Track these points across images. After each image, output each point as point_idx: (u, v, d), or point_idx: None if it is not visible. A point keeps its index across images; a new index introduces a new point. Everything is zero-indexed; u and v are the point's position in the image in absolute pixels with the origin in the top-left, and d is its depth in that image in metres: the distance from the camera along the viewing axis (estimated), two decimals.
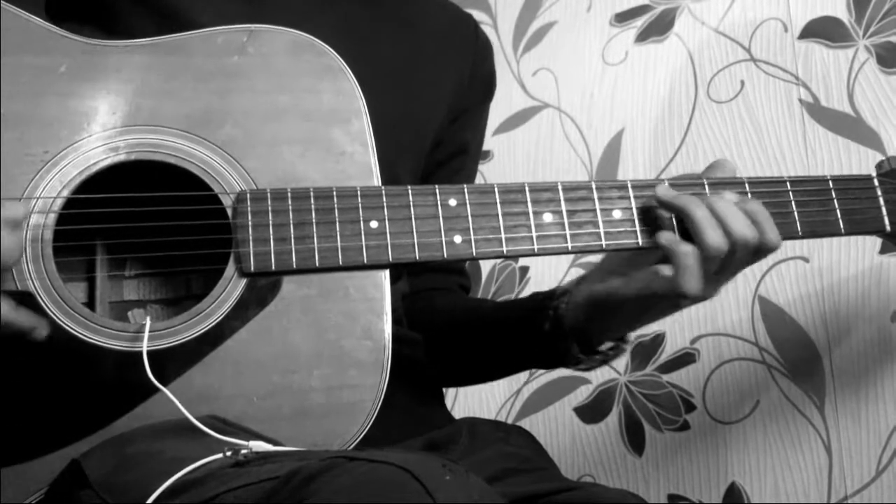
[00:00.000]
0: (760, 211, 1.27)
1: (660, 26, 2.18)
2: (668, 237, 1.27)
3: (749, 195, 1.32)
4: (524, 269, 2.24)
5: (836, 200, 1.36)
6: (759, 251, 1.28)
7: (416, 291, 1.55)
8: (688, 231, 1.26)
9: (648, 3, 2.21)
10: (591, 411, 2.11)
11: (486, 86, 1.65)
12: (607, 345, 1.40)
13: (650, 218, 1.30)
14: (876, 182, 1.40)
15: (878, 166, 1.44)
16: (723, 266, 1.26)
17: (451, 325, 1.50)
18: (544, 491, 1.21)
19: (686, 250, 1.24)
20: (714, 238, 1.23)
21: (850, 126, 1.90)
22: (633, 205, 1.29)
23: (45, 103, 1.20)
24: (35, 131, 1.18)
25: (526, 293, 2.22)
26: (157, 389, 1.12)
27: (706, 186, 1.31)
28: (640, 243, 1.29)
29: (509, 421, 2.17)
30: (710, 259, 1.24)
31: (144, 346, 1.13)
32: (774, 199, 1.33)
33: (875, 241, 1.83)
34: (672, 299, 1.28)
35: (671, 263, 1.25)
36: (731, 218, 1.25)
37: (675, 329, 2.03)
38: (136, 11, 1.35)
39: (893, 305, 1.81)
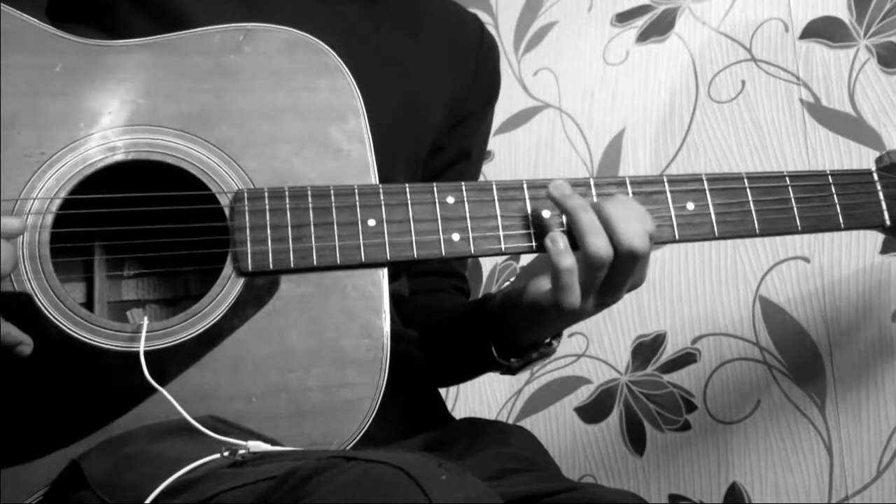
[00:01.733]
0: (637, 209, 1.23)
1: (661, 26, 2.18)
2: (550, 245, 1.22)
3: (748, 191, 1.32)
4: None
5: (835, 195, 1.36)
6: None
7: (412, 293, 1.55)
8: None
9: (649, 3, 2.20)
10: (592, 411, 2.11)
11: (489, 88, 1.64)
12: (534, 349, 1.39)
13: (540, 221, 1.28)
14: (875, 176, 1.40)
15: (878, 160, 1.44)
16: (613, 272, 1.23)
17: (426, 326, 1.49)
18: (545, 491, 1.20)
19: (565, 266, 1.20)
20: (597, 246, 1.20)
21: (851, 126, 1.90)
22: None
23: (41, 103, 1.20)
24: (32, 132, 1.18)
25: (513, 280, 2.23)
26: (156, 389, 1.12)
27: (705, 182, 1.30)
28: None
29: (510, 421, 2.17)
30: (596, 267, 1.21)
31: (142, 347, 1.13)
32: (774, 195, 1.32)
33: (875, 241, 1.83)
34: (559, 313, 1.24)
35: (551, 275, 1.23)
36: (621, 223, 1.20)
37: (676, 329, 2.03)
38: (135, 11, 1.35)
39: (894, 305, 1.81)
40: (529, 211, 1.26)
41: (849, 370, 1.84)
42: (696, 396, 1.98)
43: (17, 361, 1.11)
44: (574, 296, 1.21)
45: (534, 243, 1.25)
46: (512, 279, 1.38)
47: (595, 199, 1.25)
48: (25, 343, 1.12)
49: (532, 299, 1.27)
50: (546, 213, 1.26)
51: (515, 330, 1.36)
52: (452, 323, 1.49)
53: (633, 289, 1.27)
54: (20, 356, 1.12)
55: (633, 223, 1.20)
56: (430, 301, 1.56)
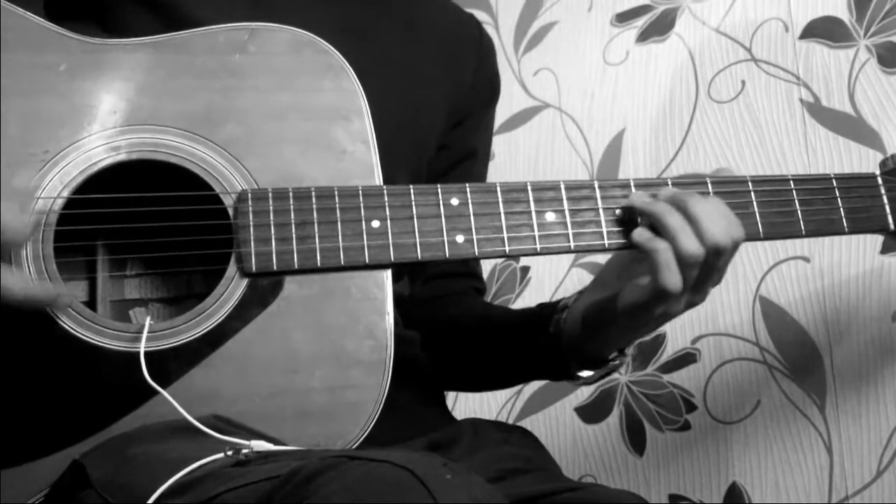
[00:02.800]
0: (723, 210, 1.26)
1: (660, 26, 2.18)
2: (639, 233, 1.25)
3: (752, 194, 1.32)
4: (525, 269, 2.24)
5: (839, 199, 1.36)
6: (733, 249, 1.26)
7: (434, 297, 1.55)
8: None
9: (649, 3, 2.21)
10: (592, 411, 2.11)
11: (490, 88, 1.65)
12: (612, 355, 1.39)
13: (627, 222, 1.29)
14: (880, 180, 1.40)
15: (882, 164, 1.44)
16: (704, 269, 1.24)
17: (459, 331, 1.50)
18: (545, 491, 1.20)
19: (660, 246, 1.22)
20: (689, 244, 1.22)
21: (851, 126, 1.90)
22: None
23: (45, 102, 1.19)
24: (35, 131, 1.18)
25: (526, 293, 2.23)
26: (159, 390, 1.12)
27: (709, 185, 1.31)
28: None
29: (510, 421, 2.17)
30: (688, 265, 1.22)
31: (142, 348, 1.13)
32: (778, 198, 1.33)
33: (876, 241, 1.83)
34: (660, 307, 1.25)
35: (650, 261, 1.24)
36: (706, 221, 1.23)
37: (676, 329, 2.02)
38: (137, 10, 1.34)
39: (894, 305, 1.81)
40: (534, 213, 1.26)
41: (849, 370, 1.84)
42: (696, 396, 1.98)
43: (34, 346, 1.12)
44: (675, 275, 1.22)
45: (538, 245, 1.25)
46: (574, 294, 1.38)
47: (680, 192, 1.27)
48: (64, 295, 1.13)
49: (630, 301, 1.27)
50: (550, 216, 1.26)
51: (605, 340, 1.36)
52: (506, 334, 1.49)
53: (714, 285, 1.29)
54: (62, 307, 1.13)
55: (718, 220, 1.23)
56: (461, 306, 1.57)
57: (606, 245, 1.27)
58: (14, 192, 1.12)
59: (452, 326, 1.51)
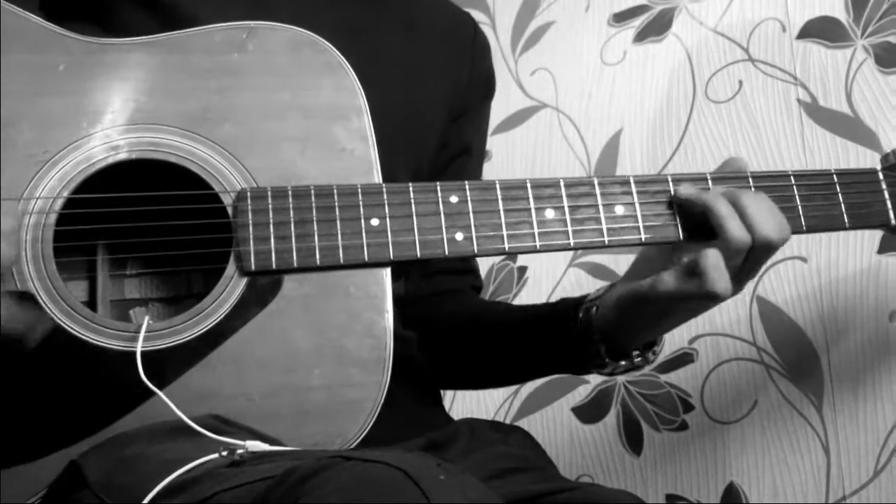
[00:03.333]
0: (771, 206, 1.28)
1: (658, 26, 2.18)
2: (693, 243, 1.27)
3: (753, 189, 1.31)
4: (522, 269, 2.24)
5: (840, 194, 1.35)
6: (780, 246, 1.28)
7: (433, 294, 1.55)
8: (696, 230, 1.26)
9: (646, 2, 2.21)
10: (590, 411, 2.11)
11: (485, 85, 1.65)
12: (635, 352, 1.40)
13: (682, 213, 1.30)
14: (881, 175, 1.39)
15: (884, 159, 1.43)
16: (748, 261, 1.26)
17: (457, 328, 1.50)
18: (543, 491, 1.20)
19: (712, 251, 1.23)
20: (737, 231, 1.23)
21: (849, 126, 1.90)
22: (636, 200, 1.29)
23: (44, 102, 1.19)
24: (34, 131, 1.18)
25: (524, 293, 2.23)
26: (159, 388, 1.11)
27: (709, 181, 1.31)
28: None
29: (507, 421, 2.17)
30: (734, 254, 1.23)
31: (139, 347, 1.12)
32: (778, 194, 1.32)
33: (873, 241, 1.83)
34: (700, 301, 1.27)
35: (698, 264, 1.23)
36: (755, 212, 1.24)
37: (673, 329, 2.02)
38: (136, 10, 1.34)
39: (891, 305, 1.81)
40: (533, 210, 1.26)
41: (846, 370, 1.84)
42: (694, 396, 1.99)
43: (34, 346, 1.12)
44: (725, 279, 1.23)
45: (537, 243, 1.25)
46: (602, 287, 1.38)
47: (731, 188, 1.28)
48: (41, 322, 1.13)
49: (666, 290, 1.27)
50: (550, 213, 1.26)
51: (639, 328, 1.36)
52: (522, 325, 1.49)
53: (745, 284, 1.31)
54: (33, 342, 1.12)
55: (769, 215, 1.25)
56: (460, 303, 1.57)
57: (606, 242, 1.27)
58: None
59: (450, 323, 1.51)
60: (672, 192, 1.29)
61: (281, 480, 0.90)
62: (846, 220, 1.35)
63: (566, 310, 1.42)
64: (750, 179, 1.32)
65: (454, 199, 1.24)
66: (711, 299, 1.24)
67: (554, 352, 1.45)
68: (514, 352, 1.49)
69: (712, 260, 1.22)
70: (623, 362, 1.40)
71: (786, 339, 1.91)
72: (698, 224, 1.27)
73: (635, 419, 2.05)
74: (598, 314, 1.38)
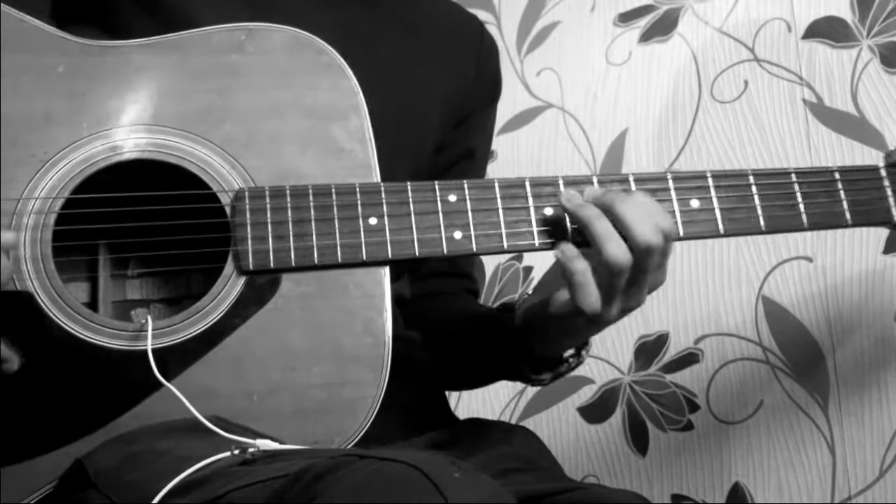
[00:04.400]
0: (651, 205, 1.22)
1: (663, 26, 2.18)
2: (561, 255, 1.22)
3: (753, 187, 1.31)
4: (528, 269, 2.24)
5: (842, 191, 1.34)
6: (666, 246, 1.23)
7: (423, 295, 1.55)
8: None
9: (652, 3, 2.21)
10: (595, 411, 2.11)
11: (490, 88, 1.65)
12: (569, 353, 1.39)
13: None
14: (883, 172, 1.38)
15: (887, 156, 1.42)
16: (635, 272, 1.22)
17: (442, 330, 1.49)
18: (548, 491, 1.20)
19: (579, 268, 1.20)
20: (615, 251, 1.19)
21: (854, 126, 1.90)
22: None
23: (44, 103, 1.20)
24: (34, 132, 1.18)
25: (530, 292, 2.23)
26: (159, 387, 1.12)
27: (709, 179, 1.30)
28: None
29: (513, 421, 2.17)
30: (616, 273, 1.20)
31: (149, 345, 1.13)
32: (780, 191, 1.32)
33: (879, 241, 1.83)
34: (581, 319, 1.24)
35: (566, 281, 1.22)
36: (634, 223, 1.19)
37: (679, 329, 2.02)
38: (138, 12, 1.35)
39: None
40: (532, 209, 1.26)
41: (851, 370, 1.84)
42: (699, 396, 1.98)
43: (35, 346, 1.13)
44: (592, 297, 1.20)
45: (536, 241, 1.25)
46: (528, 293, 1.37)
47: (607, 192, 1.24)
48: (11, 361, 1.12)
49: (556, 311, 1.26)
50: (549, 211, 1.26)
51: (544, 343, 1.36)
52: (474, 332, 1.49)
53: (653, 290, 1.27)
54: (6, 372, 1.12)
55: (645, 220, 1.19)
56: (446, 304, 1.57)
57: None
58: None
59: (439, 324, 1.51)
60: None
61: (296, 479, 0.90)
62: (848, 218, 1.34)
63: (497, 320, 1.43)
64: (751, 177, 1.31)
65: (453, 197, 1.24)
66: (580, 315, 1.22)
67: (493, 361, 1.46)
68: (470, 357, 1.50)
69: (579, 278, 1.20)
70: (545, 376, 1.41)
71: (791, 339, 1.91)
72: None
73: (641, 419, 2.05)
74: (517, 328, 1.38)
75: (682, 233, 1.28)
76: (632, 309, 1.25)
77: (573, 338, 1.35)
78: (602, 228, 1.20)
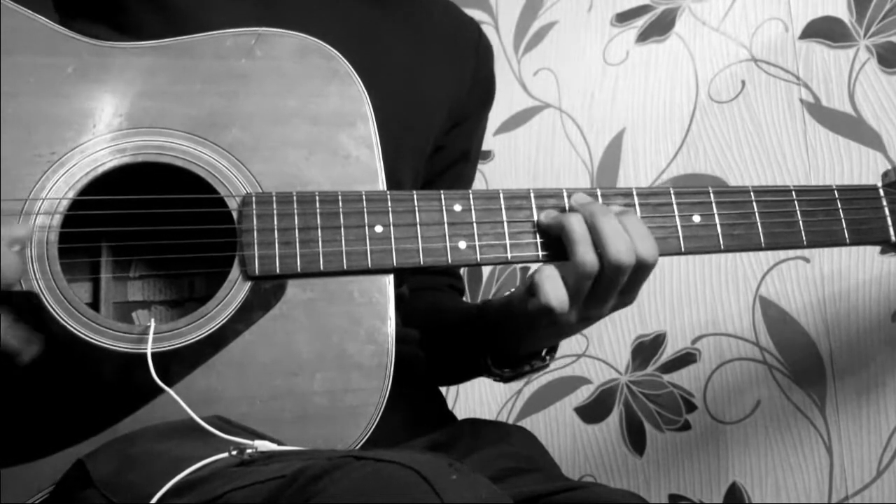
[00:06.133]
0: (635, 227, 1.24)
1: (661, 26, 2.18)
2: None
3: (754, 204, 1.32)
4: (525, 269, 2.24)
5: (841, 210, 1.36)
6: (638, 269, 1.24)
7: (411, 291, 1.55)
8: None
9: (649, 3, 2.21)
10: (592, 411, 2.11)
11: (485, 91, 1.65)
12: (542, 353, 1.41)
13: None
14: (881, 192, 1.40)
15: (884, 176, 1.44)
16: (600, 283, 1.24)
17: (425, 327, 1.50)
18: (545, 491, 1.20)
19: (547, 266, 1.23)
20: (585, 255, 1.21)
21: (852, 126, 1.90)
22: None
23: (52, 104, 1.20)
24: (42, 132, 1.18)
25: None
26: (161, 390, 1.12)
27: (711, 195, 1.31)
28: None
29: (510, 421, 2.17)
30: (581, 276, 1.22)
31: (149, 349, 1.13)
32: (780, 209, 1.33)
33: None
34: (546, 315, 1.25)
35: (533, 278, 1.24)
36: (610, 237, 1.21)
37: (676, 329, 2.03)
38: (147, 10, 1.35)
39: (894, 305, 1.81)
40: (536, 220, 1.26)
41: (849, 370, 1.84)
42: (696, 396, 1.99)
43: (26, 362, 1.12)
44: (558, 292, 1.22)
45: (540, 252, 1.26)
46: (512, 290, 1.38)
47: (594, 203, 1.26)
48: (34, 342, 1.12)
49: (526, 308, 1.27)
50: (542, 217, 1.27)
51: (512, 339, 1.37)
52: (452, 326, 1.50)
53: (616, 309, 1.29)
54: (27, 359, 1.12)
55: (621, 238, 1.21)
56: (431, 300, 1.56)
57: None
58: (10, 233, 1.12)
59: (419, 319, 1.51)
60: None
61: (292, 480, 0.90)
62: (847, 236, 1.36)
63: (469, 316, 1.46)
64: (752, 194, 1.33)
65: (458, 207, 1.24)
66: (546, 314, 1.23)
67: (462, 357, 1.47)
68: (440, 346, 1.50)
69: (545, 272, 1.23)
70: (506, 370, 1.42)
71: (788, 339, 1.92)
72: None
73: (638, 419, 2.05)
74: (487, 321, 1.40)
75: (683, 247, 1.29)
76: (592, 320, 1.28)
77: (534, 338, 1.36)
78: (579, 230, 1.22)
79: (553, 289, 1.22)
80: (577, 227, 1.22)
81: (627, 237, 1.22)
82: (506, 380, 1.44)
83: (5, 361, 1.11)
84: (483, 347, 1.42)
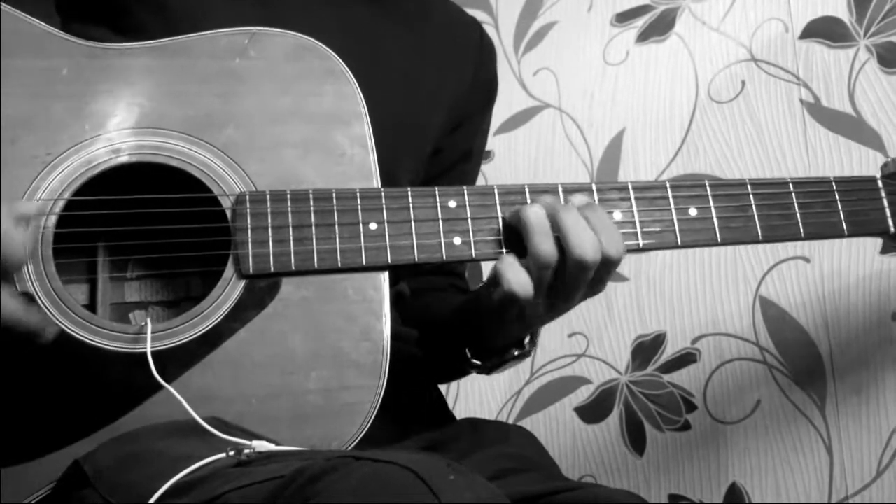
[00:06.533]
0: (599, 220, 1.23)
1: (661, 26, 2.18)
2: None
3: (751, 196, 1.32)
4: None
5: (839, 202, 1.35)
6: (605, 265, 1.23)
7: (414, 291, 1.55)
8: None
9: (649, 3, 2.21)
10: (592, 411, 2.11)
11: (487, 91, 1.65)
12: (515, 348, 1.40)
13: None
14: (880, 183, 1.39)
15: (883, 167, 1.43)
16: (566, 279, 1.23)
17: (420, 325, 1.50)
18: (545, 491, 1.20)
19: (507, 255, 1.23)
20: (541, 246, 1.20)
21: (851, 126, 1.90)
22: (635, 207, 1.28)
23: (47, 105, 1.20)
24: (38, 133, 1.18)
25: None
26: (158, 389, 1.12)
27: (708, 188, 1.31)
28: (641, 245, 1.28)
29: (510, 421, 2.17)
30: (540, 266, 1.21)
31: (148, 347, 1.13)
32: (777, 201, 1.32)
33: (876, 241, 1.83)
34: (513, 308, 1.25)
35: (495, 267, 1.24)
36: (571, 231, 1.20)
37: (676, 329, 2.03)
38: (148, 12, 1.35)
39: (894, 305, 1.81)
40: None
41: (849, 370, 1.84)
42: (696, 396, 1.99)
43: (36, 347, 1.12)
44: (520, 278, 1.21)
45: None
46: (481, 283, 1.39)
47: (558, 202, 1.25)
48: (50, 326, 1.12)
49: (493, 298, 1.27)
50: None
51: (485, 331, 1.37)
52: (435, 323, 1.49)
53: (586, 297, 1.28)
54: (45, 341, 1.12)
55: (584, 234, 1.20)
56: (427, 300, 1.56)
57: None
58: (12, 212, 1.12)
59: (416, 320, 1.51)
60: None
61: (290, 480, 0.90)
62: (845, 228, 1.35)
63: (463, 306, 1.45)
64: (748, 187, 1.32)
65: (452, 203, 1.24)
66: (513, 303, 1.23)
67: (449, 347, 1.46)
68: (434, 346, 1.50)
69: (507, 260, 1.22)
70: (485, 363, 1.42)
71: (788, 339, 1.92)
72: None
73: (638, 419, 2.05)
74: (468, 313, 1.41)
75: (679, 241, 1.28)
76: (560, 311, 1.28)
77: (506, 329, 1.35)
78: (535, 220, 1.21)
79: (514, 276, 1.21)
80: (532, 217, 1.21)
81: (591, 232, 1.21)
82: (489, 371, 1.44)
83: (26, 344, 1.11)
84: (461, 341, 1.41)
